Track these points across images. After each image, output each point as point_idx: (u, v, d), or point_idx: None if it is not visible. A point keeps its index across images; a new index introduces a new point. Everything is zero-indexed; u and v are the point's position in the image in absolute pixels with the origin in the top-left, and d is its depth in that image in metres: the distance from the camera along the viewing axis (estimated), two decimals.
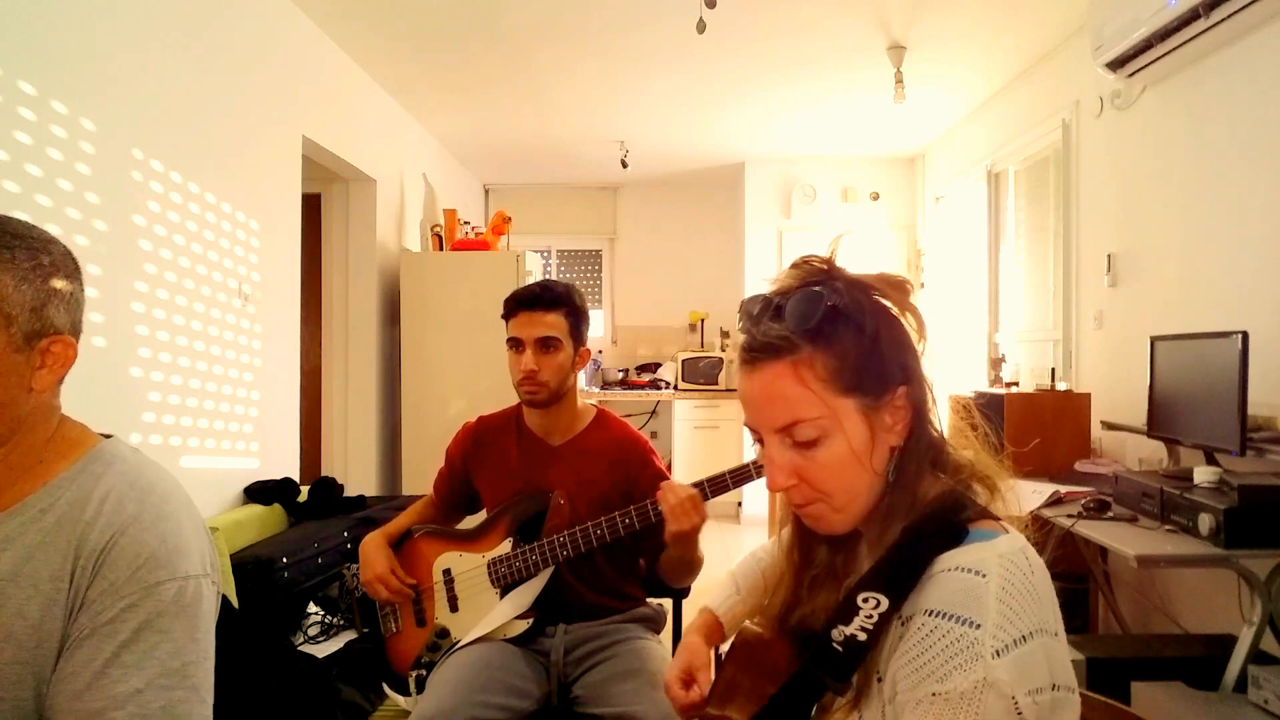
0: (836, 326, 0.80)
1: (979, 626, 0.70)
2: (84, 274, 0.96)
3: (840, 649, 0.77)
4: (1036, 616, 0.72)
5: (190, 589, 0.89)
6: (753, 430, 0.85)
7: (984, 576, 0.73)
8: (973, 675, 0.68)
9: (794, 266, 0.86)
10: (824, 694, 0.83)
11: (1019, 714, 0.68)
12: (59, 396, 0.94)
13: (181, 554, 0.90)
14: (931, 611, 0.73)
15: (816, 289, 0.81)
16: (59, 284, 0.89)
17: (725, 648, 1.11)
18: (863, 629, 0.76)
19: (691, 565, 1.74)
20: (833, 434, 0.80)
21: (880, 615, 0.76)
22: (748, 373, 0.83)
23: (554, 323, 1.75)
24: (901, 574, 0.77)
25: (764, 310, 0.84)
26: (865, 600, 0.77)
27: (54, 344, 0.89)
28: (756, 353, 0.82)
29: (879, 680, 0.77)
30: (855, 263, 0.86)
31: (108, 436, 0.98)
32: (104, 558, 0.86)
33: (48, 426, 0.92)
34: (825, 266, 0.85)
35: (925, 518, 0.80)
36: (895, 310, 0.85)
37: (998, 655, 0.69)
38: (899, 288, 0.84)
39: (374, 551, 1.81)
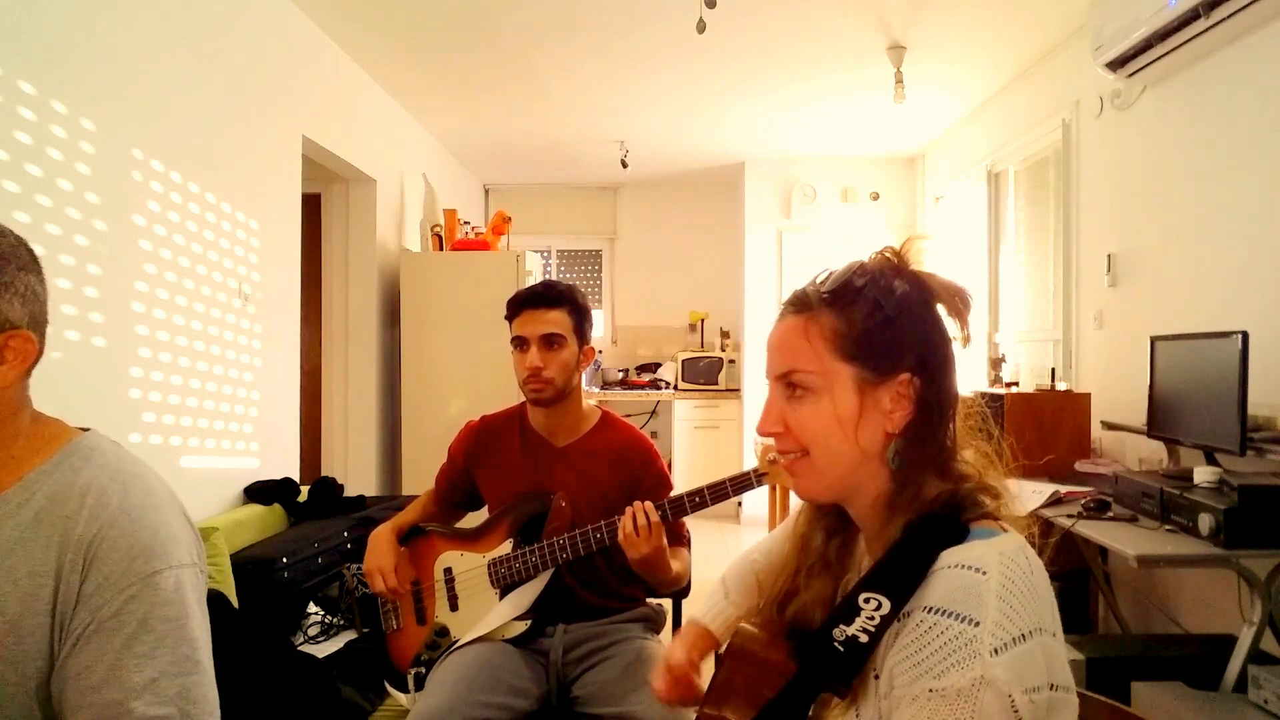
0: (855, 299, 0.84)
1: (978, 624, 0.70)
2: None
3: (842, 649, 0.77)
4: (1035, 616, 0.72)
5: (187, 577, 0.91)
6: (768, 379, 0.90)
7: (984, 574, 0.73)
8: (970, 673, 0.69)
9: (875, 253, 0.91)
10: (824, 695, 0.83)
11: (1015, 712, 0.68)
12: (28, 391, 0.93)
13: (173, 543, 0.91)
14: (931, 608, 0.73)
15: (859, 263, 0.86)
16: (10, 277, 0.87)
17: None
18: (864, 630, 0.77)
19: (662, 583, 1.71)
20: (820, 392, 0.83)
21: (882, 618, 0.76)
22: (777, 323, 0.89)
23: (557, 320, 1.75)
24: (903, 575, 0.77)
25: (817, 278, 0.89)
26: (867, 601, 0.77)
27: (11, 339, 0.87)
28: (788, 306, 0.88)
29: (876, 677, 0.77)
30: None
31: (85, 430, 0.97)
32: (94, 551, 0.86)
33: (15, 422, 0.91)
34: (894, 258, 0.88)
35: (927, 516, 0.80)
36: (945, 314, 0.86)
37: (996, 653, 0.69)
38: (955, 294, 0.86)
39: (382, 544, 1.81)
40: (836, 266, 0.89)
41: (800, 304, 0.87)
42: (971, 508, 0.81)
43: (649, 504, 1.59)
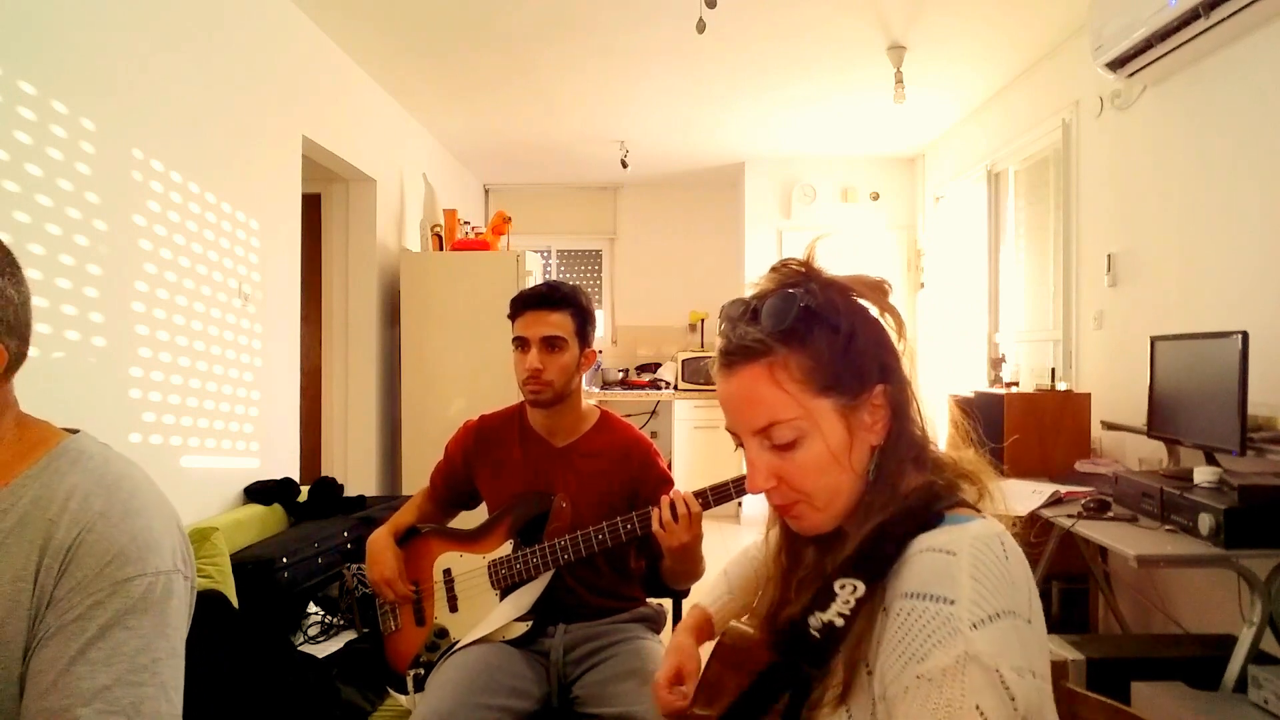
0: (811, 327, 0.81)
1: (953, 602, 0.70)
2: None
3: (818, 635, 0.77)
4: (1009, 599, 0.72)
5: (160, 585, 0.87)
6: (732, 433, 0.86)
7: (954, 555, 0.73)
8: (953, 650, 0.68)
9: (773, 270, 0.87)
10: (800, 681, 0.83)
11: (1006, 688, 0.68)
12: (12, 394, 0.91)
13: (152, 549, 0.88)
14: (908, 594, 0.73)
15: (791, 291, 0.82)
16: None
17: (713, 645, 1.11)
18: (840, 615, 0.77)
19: (689, 574, 1.73)
20: (810, 435, 0.81)
21: (857, 600, 0.76)
22: (725, 376, 0.84)
23: (559, 322, 1.75)
24: (875, 558, 0.77)
25: (741, 314, 0.84)
26: (842, 586, 0.77)
27: None
28: (732, 356, 0.83)
29: (869, 673, 0.77)
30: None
31: (74, 432, 0.95)
32: (71, 555, 0.84)
33: None
34: (802, 269, 0.85)
35: (902, 508, 0.80)
36: (874, 311, 0.85)
37: (974, 628, 0.69)
38: (876, 289, 0.85)
39: (383, 551, 1.81)
40: (743, 295, 0.86)
41: (751, 350, 0.81)
42: (948, 497, 0.81)
43: (689, 495, 1.57)
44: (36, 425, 0.93)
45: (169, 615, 0.88)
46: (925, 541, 0.76)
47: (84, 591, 0.84)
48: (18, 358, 0.89)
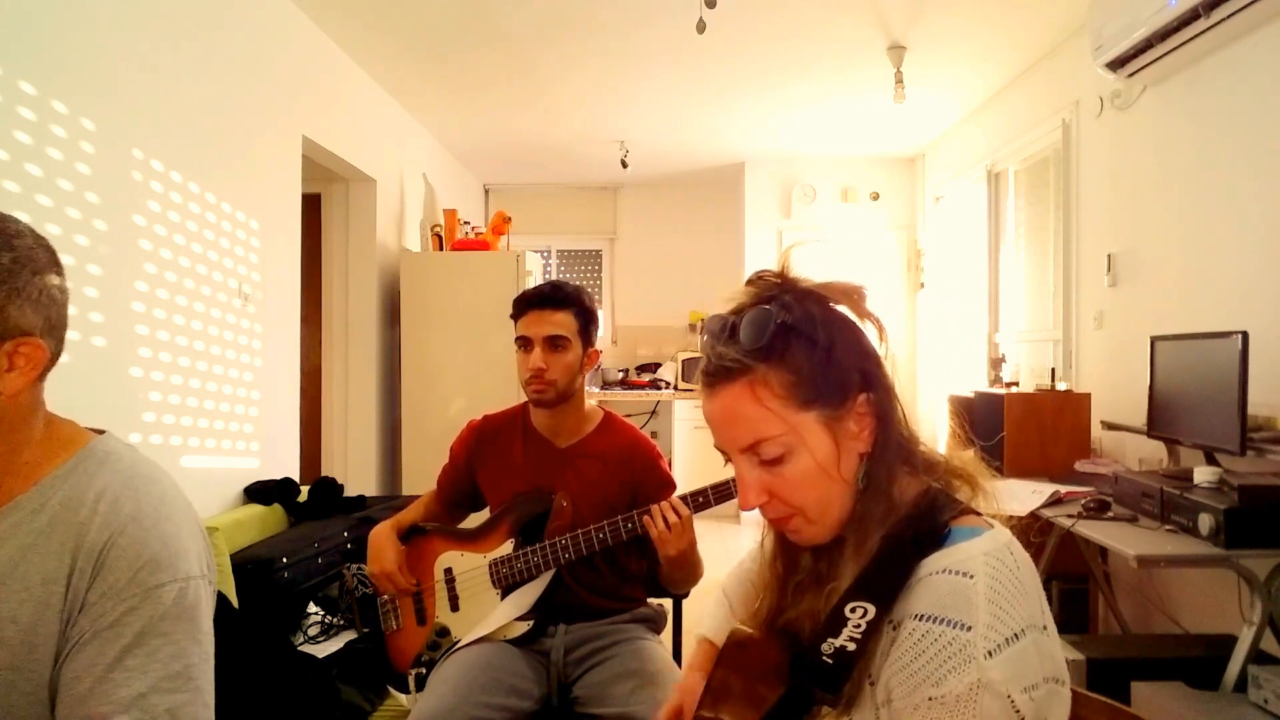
0: (788, 342, 0.80)
1: (970, 629, 0.70)
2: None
3: (830, 661, 0.77)
4: (1025, 613, 0.72)
5: (191, 590, 0.88)
6: (721, 450, 0.86)
7: (971, 577, 0.73)
8: (967, 678, 0.69)
9: (749, 283, 0.86)
10: (817, 707, 0.83)
11: (1017, 712, 0.69)
12: (42, 395, 0.91)
13: (181, 555, 0.89)
14: (921, 616, 0.73)
15: (766, 307, 0.81)
16: (23, 283, 0.84)
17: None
18: (851, 639, 0.77)
19: (686, 579, 1.75)
20: (797, 449, 0.80)
21: (868, 624, 0.76)
22: (708, 396, 0.84)
23: (563, 321, 1.75)
24: (886, 580, 0.77)
25: (720, 331, 0.84)
26: (853, 610, 0.77)
27: (22, 345, 0.84)
28: (713, 376, 0.83)
29: (871, 684, 0.77)
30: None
31: (101, 432, 0.96)
32: (103, 559, 0.85)
33: (29, 427, 0.89)
34: (778, 281, 0.85)
35: (905, 522, 0.80)
36: (854, 317, 0.84)
37: (990, 656, 0.69)
38: (851, 295, 0.84)
39: (384, 545, 1.81)
40: (721, 310, 0.85)
41: (731, 370, 0.81)
42: (949, 504, 0.81)
43: (676, 499, 1.60)
44: (64, 425, 0.94)
45: (199, 620, 0.90)
46: (938, 562, 0.76)
47: (117, 597, 0.84)
48: (54, 358, 0.90)
